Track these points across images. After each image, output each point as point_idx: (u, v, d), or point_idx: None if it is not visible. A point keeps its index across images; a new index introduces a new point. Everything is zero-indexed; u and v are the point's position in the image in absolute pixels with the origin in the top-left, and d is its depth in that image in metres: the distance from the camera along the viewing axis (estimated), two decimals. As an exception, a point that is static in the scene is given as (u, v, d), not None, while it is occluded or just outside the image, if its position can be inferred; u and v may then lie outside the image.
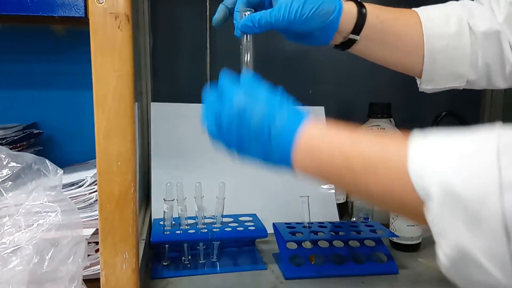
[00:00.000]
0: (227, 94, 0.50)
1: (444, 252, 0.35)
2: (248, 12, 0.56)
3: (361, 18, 0.56)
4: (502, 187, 0.31)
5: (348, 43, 0.58)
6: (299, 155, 0.44)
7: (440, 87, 0.63)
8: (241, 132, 0.47)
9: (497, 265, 0.31)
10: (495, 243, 0.31)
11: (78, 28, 0.98)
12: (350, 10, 0.56)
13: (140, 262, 0.53)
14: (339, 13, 0.55)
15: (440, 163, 0.34)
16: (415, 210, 0.36)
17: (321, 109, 1.06)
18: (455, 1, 0.61)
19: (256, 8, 0.59)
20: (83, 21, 0.80)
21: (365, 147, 0.41)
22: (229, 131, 0.48)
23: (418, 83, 0.63)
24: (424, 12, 0.59)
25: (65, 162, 0.81)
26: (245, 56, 0.56)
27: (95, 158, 0.96)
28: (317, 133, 0.45)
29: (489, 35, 0.56)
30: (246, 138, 0.47)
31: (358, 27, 0.56)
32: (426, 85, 0.62)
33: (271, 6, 0.58)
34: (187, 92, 1.10)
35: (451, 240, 0.33)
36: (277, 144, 0.45)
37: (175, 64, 1.09)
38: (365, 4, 0.57)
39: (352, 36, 0.57)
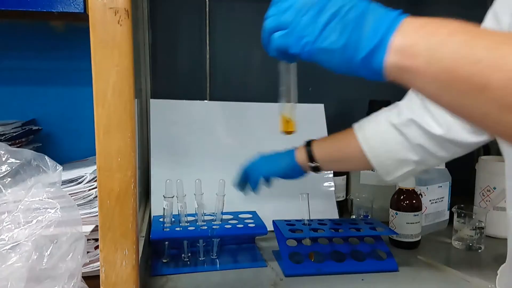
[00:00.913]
0: None
1: None
2: None
3: (310, 154, 0.75)
4: None
5: (316, 168, 0.76)
6: (405, 30, 0.37)
7: (397, 176, 0.71)
8: (326, 13, 0.40)
9: None
10: None
11: (77, 24, 0.97)
12: (301, 153, 0.76)
13: (139, 259, 0.53)
14: (293, 156, 0.77)
15: None
16: None
17: (320, 107, 1.06)
18: (383, 109, 0.74)
19: None
20: (82, 17, 0.79)
21: (484, 30, 0.36)
22: (309, 14, 0.41)
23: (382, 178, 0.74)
24: (359, 127, 0.73)
25: (64, 159, 0.81)
26: None
27: (94, 155, 0.96)
28: (422, 19, 0.38)
29: (408, 123, 0.67)
30: (332, 20, 0.40)
31: (311, 160, 0.75)
32: (387, 177, 0.72)
33: None
34: (187, 89, 1.10)
35: None
36: (378, 18, 0.39)
37: (174, 60, 1.09)
38: (312, 141, 0.77)
39: (313, 165, 0.75)
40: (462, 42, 0.35)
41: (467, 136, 0.64)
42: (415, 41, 0.37)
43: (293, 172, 0.77)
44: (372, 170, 0.73)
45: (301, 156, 0.76)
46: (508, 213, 0.57)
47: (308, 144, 0.77)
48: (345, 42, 0.40)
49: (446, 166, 0.97)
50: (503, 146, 0.59)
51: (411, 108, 0.68)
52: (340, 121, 1.13)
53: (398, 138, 0.69)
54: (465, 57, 0.34)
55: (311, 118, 1.04)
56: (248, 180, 0.79)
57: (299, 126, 1.02)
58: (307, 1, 0.42)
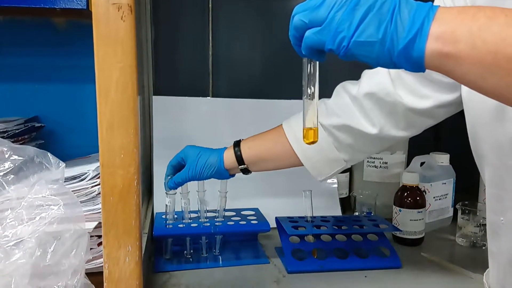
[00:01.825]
0: None
1: None
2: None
3: (239, 155, 0.74)
4: None
5: (245, 170, 0.74)
6: (442, 17, 0.38)
7: (328, 175, 0.73)
8: (361, 7, 0.40)
9: None
10: None
11: (79, 21, 0.97)
12: (230, 155, 0.74)
13: (142, 255, 0.53)
14: (221, 162, 0.74)
15: None
16: None
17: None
18: None
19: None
20: (84, 14, 0.79)
21: None
22: (345, 9, 0.41)
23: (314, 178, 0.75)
24: (288, 127, 0.73)
25: (66, 156, 0.81)
26: None
27: (96, 152, 0.96)
28: (457, 7, 0.39)
29: (339, 127, 0.69)
30: (368, 14, 0.40)
31: (240, 162, 0.73)
32: (318, 177, 0.74)
33: None
34: (189, 86, 1.10)
35: None
36: (414, 8, 0.39)
37: (177, 57, 1.09)
38: (241, 141, 0.76)
39: (241, 167, 0.74)
40: (503, 24, 0.35)
41: (398, 132, 0.68)
42: (455, 27, 0.37)
43: (220, 176, 0.75)
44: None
45: (229, 158, 0.74)
46: (491, 218, 0.58)
47: (236, 144, 0.75)
48: (383, 34, 0.39)
49: (450, 163, 0.97)
50: (478, 159, 0.60)
51: (343, 110, 0.69)
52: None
53: (328, 139, 0.70)
54: (509, 37, 0.34)
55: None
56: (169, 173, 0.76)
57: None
58: None
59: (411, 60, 0.39)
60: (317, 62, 0.51)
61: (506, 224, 0.54)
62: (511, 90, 0.36)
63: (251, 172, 0.75)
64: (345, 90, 0.70)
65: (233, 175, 0.76)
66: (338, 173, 0.75)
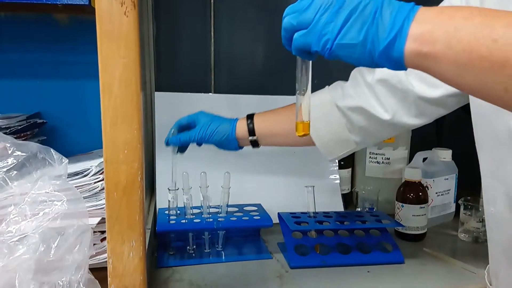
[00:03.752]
0: None
1: None
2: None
3: (251, 127, 0.76)
4: None
5: (254, 143, 0.77)
6: (422, 18, 0.39)
7: (338, 155, 0.75)
8: (344, 10, 0.42)
9: None
10: None
11: (81, 17, 0.97)
12: (242, 125, 0.76)
13: (146, 250, 0.53)
14: (233, 130, 0.76)
15: None
16: None
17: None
18: (327, 87, 0.77)
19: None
20: (86, 9, 0.79)
21: (499, 11, 0.37)
22: (329, 12, 0.43)
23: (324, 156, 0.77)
24: None
25: (69, 152, 0.81)
26: None
27: (99, 148, 0.96)
28: (437, 7, 0.40)
29: (354, 109, 0.70)
30: (350, 17, 0.42)
31: (251, 133, 0.75)
32: (329, 156, 0.76)
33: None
34: (191, 82, 1.09)
35: None
36: (396, 9, 0.40)
37: (179, 53, 1.09)
38: (254, 114, 0.78)
39: (252, 138, 0.76)
40: (479, 24, 0.36)
41: (410, 119, 0.68)
42: (432, 28, 0.38)
43: (228, 144, 0.77)
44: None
45: (241, 128, 0.76)
46: (485, 209, 0.58)
47: (250, 117, 0.77)
48: (365, 36, 0.41)
49: (452, 159, 0.97)
50: (478, 149, 0.60)
51: (358, 94, 0.70)
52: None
53: (342, 120, 0.72)
54: (483, 37, 0.36)
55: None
56: (180, 135, 0.77)
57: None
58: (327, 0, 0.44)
59: (392, 60, 0.41)
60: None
61: (495, 215, 0.55)
62: (487, 88, 0.37)
63: (259, 146, 0.76)
64: (360, 75, 0.71)
65: (241, 148, 0.78)
66: (347, 154, 0.76)
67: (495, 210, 0.55)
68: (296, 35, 0.46)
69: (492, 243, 0.58)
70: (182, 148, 0.79)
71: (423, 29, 0.39)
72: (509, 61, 0.35)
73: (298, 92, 0.56)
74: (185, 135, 0.76)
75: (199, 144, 0.78)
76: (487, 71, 0.36)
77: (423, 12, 0.39)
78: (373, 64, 0.42)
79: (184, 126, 0.78)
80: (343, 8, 0.42)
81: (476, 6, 0.38)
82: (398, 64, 0.41)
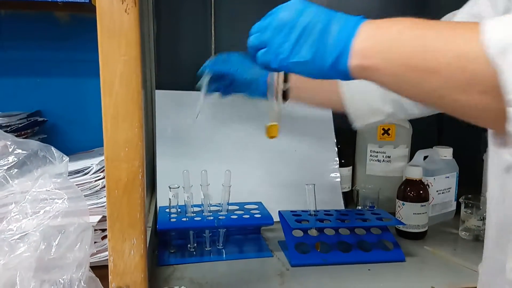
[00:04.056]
0: (280, 6, 0.50)
1: None
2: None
3: (286, 74, 0.71)
4: None
5: (285, 93, 0.73)
6: (363, 35, 0.43)
7: (367, 123, 0.74)
8: (295, 31, 0.47)
9: None
10: None
11: (82, 15, 0.97)
12: (277, 74, 0.73)
13: (147, 248, 0.53)
14: (266, 72, 0.72)
15: None
16: (483, 77, 0.35)
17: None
18: None
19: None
20: (87, 8, 0.79)
21: (434, 22, 0.40)
22: (283, 33, 0.47)
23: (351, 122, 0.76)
24: None
25: (69, 150, 0.81)
26: None
27: (99, 146, 0.96)
28: (379, 21, 0.43)
29: None
30: (301, 38, 0.46)
31: (285, 80, 0.72)
32: (356, 123, 0.75)
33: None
34: (192, 80, 1.09)
35: None
36: (339, 29, 0.44)
37: (179, 51, 1.08)
38: None
39: (285, 86, 0.72)
40: (412, 36, 0.40)
41: None
42: (371, 44, 0.42)
43: (257, 87, 0.74)
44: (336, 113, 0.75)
45: (274, 75, 0.74)
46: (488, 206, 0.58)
47: None
48: (313, 54, 0.46)
49: (453, 157, 0.97)
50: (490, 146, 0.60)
51: None
52: (346, 116, 1.13)
53: (379, 90, 0.71)
54: (416, 49, 0.39)
55: (318, 113, 1.04)
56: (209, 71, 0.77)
57: (305, 116, 1.02)
58: (281, 21, 0.48)
59: (340, 73, 0.45)
60: None
61: (488, 201, 0.55)
62: (424, 95, 0.41)
63: (287, 100, 0.73)
64: None
65: (266, 97, 0.75)
66: (375, 125, 0.77)
67: (488, 196, 0.54)
68: (258, 53, 0.51)
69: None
70: (212, 87, 0.78)
71: (364, 45, 0.42)
72: (440, 69, 0.37)
73: (269, 97, 0.63)
74: (219, 66, 0.76)
75: (226, 90, 0.77)
76: (421, 80, 0.39)
77: (364, 28, 0.43)
78: (324, 77, 0.47)
79: (217, 71, 0.78)
80: (295, 28, 0.46)
81: (412, 18, 0.41)
82: (346, 76, 0.45)
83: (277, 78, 0.67)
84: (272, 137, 0.65)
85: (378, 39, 0.42)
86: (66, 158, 0.66)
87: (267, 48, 0.50)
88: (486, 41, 0.35)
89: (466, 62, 0.36)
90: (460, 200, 0.89)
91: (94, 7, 0.46)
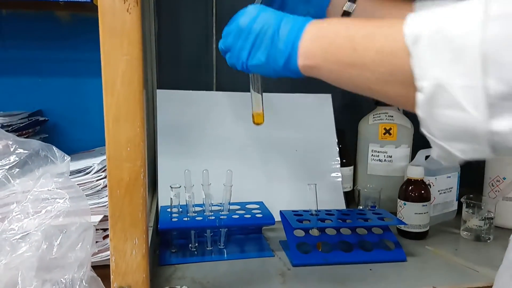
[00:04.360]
0: (239, 13, 0.56)
1: (424, 89, 0.36)
2: None
3: None
4: (487, 18, 0.32)
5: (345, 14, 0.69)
6: (306, 38, 0.48)
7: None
8: (250, 36, 0.52)
9: (470, 99, 0.33)
10: (472, 76, 0.33)
11: (83, 14, 0.97)
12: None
13: (148, 248, 0.53)
14: None
15: (432, 14, 0.37)
16: (402, 69, 0.38)
17: (328, 97, 1.05)
18: None
19: None
20: (88, 7, 0.79)
21: (366, 22, 0.44)
22: (241, 39, 0.53)
23: None
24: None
25: (70, 150, 0.81)
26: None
27: (100, 146, 0.96)
28: (323, 21, 0.48)
29: None
30: (256, 42, 0.52)
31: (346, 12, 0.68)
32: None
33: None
34: (193, 79, 1.09)
35: (431, 77, 0.35)
36: (287, 33, 0.49)
37: (180, 50, 1.08)
38: None
39: (347, 7, 0.67)
40: (345, 37, 0.44)
41: None
42: (313, 45, 0.47)
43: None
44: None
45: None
46: None
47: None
48: (267, 57, 0.52)
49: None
50: None
51: None
52: (347, 111, 1.13)
53: None
54: (347, 49, 0.43)
55: (319, 108, 1.04)
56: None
57: (307, 116, 1.02)
58: (239, 27, 0.54)
59: (291, 72, 0.51)
60: None
61: None
62: (357, 88, 0.45)
63: (350, 14, 0.67)
64: None
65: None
66: None
67: None
68: (226, 56, 0.58)
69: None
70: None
71: (307, 47, 0.48)
72: (366, 65, 0.42)
73: (252, 88, 0.69)
74: None
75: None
76: (353, 75, 0.44)
77: (308, 30, 0.48)
78: (281, 75, 0.52)
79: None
80: (250, 34, 0.52)
81: (350, 18, 0.48)
82: (297, 74, 0.50)
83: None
84: (258, 124, 0.71)
85: (319, 41, 0.47)
86: (67, 158, 0.66)
87: (230, 52, 0.56)
88: (405, 34, 0.37)
89: (386, 56, 0.40)
90: (462, 200, 0.89)
91: (96, 6, 0.46)
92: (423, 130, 0.39)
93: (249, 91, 1.02)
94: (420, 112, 0.37)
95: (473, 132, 0.34)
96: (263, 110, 0.70)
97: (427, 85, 0.35)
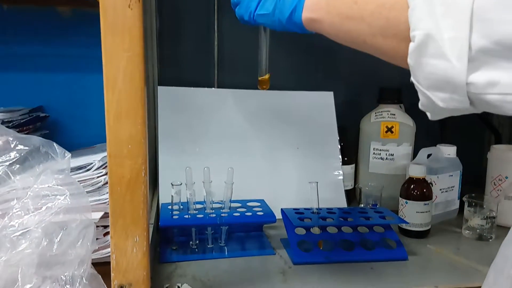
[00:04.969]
0: None
1: (415, 39, 0.38)
2: None
3: None
4: None
5: None
6: None
7: None
8: None
9: (455, 50, 0.35)
10: (460, 30, 0.35)
11: (84, 10, 0.96)
12: None
13: (149, 246, 0.53)
14: None
15: None
16: (397, 22, 0.41)
17: (330, 94, 1.05)
18: None
19: None
20: (89, 2, 0.79)
21: None
22: None
23: None
24: None
25: (71, 146, 0.81)
26: None
27: (101, 142, 0.96)
28: None
29: None
30: None
31: None
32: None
33: None
34: (194, 76, 1.09)
35: (424, 28, 0.37)
36: None
37: (182, 47, 1.08)
38: None
39: None
40: None
41: None
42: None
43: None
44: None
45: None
46: None
47: None
48: (274, 8, 0.57)
49: (457, 155, 0.96)
50: None
51: None
52: (349, 109, 1.13)
53: None
54: (349, 2, 0.46)
55: (321, 106, 1.04)
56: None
57: (309, 113, 1.02)
58: None
59: (295, 25, 0.54)
60: (267, 30, 0.75)
61: None
62: (353, 41, 0.47)
63: None
64: None
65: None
66: None
67: None
68: (236, 8, 0.64)
69: None
70: None
71: (313, 0, 0.51)
72: (364, 17, 0.44)
73: (259, 54, 0.75)
74: None
75: None
76: (351, 27, 0.46)
77: None
78: (284, 28, 0.57)
79: None
80: None
81: None
82: (300, 27, 0.54)
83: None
84: (263, 89, 0.78)
85: None
86: (68, 154, 0.66)
87: (240, 4, 0.63)
88: None
89: (384, 9, 0.42)
90: (464, 199, 0.88)
91: (97, 2, 0.45)
92: (412, 79, 0.41)
93: (251, 88, 1.03)
94: (410, 60, 0.39)
95: (453, 82, 0.36)
96: (268, 76, 0.77)
97: (418, 35, 0.37)
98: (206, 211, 0.79)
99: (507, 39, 0.33)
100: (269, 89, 1.02)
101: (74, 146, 0.90)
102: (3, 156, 0.64)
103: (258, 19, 0.60)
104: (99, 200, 0.69)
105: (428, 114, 0.42)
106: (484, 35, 0.34)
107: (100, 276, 0.56)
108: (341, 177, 1.00)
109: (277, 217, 0.80)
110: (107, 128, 0.47)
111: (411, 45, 0.38)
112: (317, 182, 0.79)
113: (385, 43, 0.43)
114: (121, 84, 0.46)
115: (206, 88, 1.01)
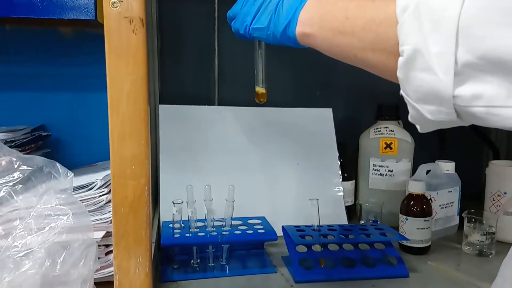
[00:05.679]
0: None
1: (404, 53, 0.39)
2: None
3: None
4: None
5: None
6: (307, 7, 0.52)
7: None
8: (257, 2, 0.59)
9: (442, 64, 0.36)
10: (446, 45, 0.36)
11: (86, 30, 0.98)
12: None
13: (152, 266, 0.53)
14: None
15: None
16: (386, 37, 0.42)
17: (328, 111, 1.06)
18: None
19: None
20: (92, 23, 0.80)
21: None
22: (248, 4, 0.61)
23: None
24: None
25: (72, 164, 0.81)
26: None
27: (102, 160, 0.96)
28: None
29: None
30: (261, 7, 0.59)
31: None
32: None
33: None
34: (195, 95, 1.10)
35: (412, 43, 0.38)
36: (289, 4, 0.54)
37: (182, 65, 1.09)
38: None
39: None
40: (340, 7, 0.47)
41: None
42: (312, 14, 0.51)
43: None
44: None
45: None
46: None
47: None
48: (269, 22, 0.57)
49: (456, 171, 0.97)
50: None
51: None
52: (348, 125, 1.14)
53: None
54: (341, 17, 0.47)
55: (319, 122, 1.04)
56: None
57: (308, 130, 1.03)
58: None
59: (289, 39, 0.55)
60: (262, 43, 0.76)
61: None
62: (345, 55, 0.48)
63: None
64: None
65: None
66: None
67: None
68: (232, 22, 0.65)
69: None
70: None
71: (307, 15, 0.52)
72: (355, 32, 0.45)
73: (255, 66, 0.77)
74: None
75: None
76: (343, 42, 0.47)
77: (310, 1, 0.52)
78: (279, 42, 0.57)
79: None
80: (256, 2, 0.59)
81: None
82: (294, 42, 0.54)
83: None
84: (261, 102, 0.79)
85: (318, 11, 0.51)
86: (71, 174, 0.66)
87: (236, 18, 0.64)
88: (397, 5, 0.40)
89: (374, 25, 0.43)
90: (463, 214, 0.89)
91: (99, 23, 0.47)
92: (402, 92, 0.42)
93: (252, 105, 1.04)
94: (399, 74, 0.40)
95: (440, 95, 0.37)
96: (265, 89, 0.79)
97: (407, 49, 0.38)
98: (207, 229, 0.79)
99: (490, 54, 0.34)
100: (268, 106, 1.04)
101: (75, 164, 0.91)
102: (7, 177, 0.64)
103: (253, 33, 0.61)
104: (101, 219, 0.69)
105: (418, 127, 0.43)
106: (469, 50, 0.35)
107: (102, 296, 0.57)
108: (341, 193, 1.00)
109: (278, 234, 0.80)
110: (111, 149, 0.48)
111: (400, 60, 0.39)
112: (317, 199, 0.80)
113: (375, 57, 0.44)
114: (125, 106, 0.47)
115: (206, 106, 1.02)
